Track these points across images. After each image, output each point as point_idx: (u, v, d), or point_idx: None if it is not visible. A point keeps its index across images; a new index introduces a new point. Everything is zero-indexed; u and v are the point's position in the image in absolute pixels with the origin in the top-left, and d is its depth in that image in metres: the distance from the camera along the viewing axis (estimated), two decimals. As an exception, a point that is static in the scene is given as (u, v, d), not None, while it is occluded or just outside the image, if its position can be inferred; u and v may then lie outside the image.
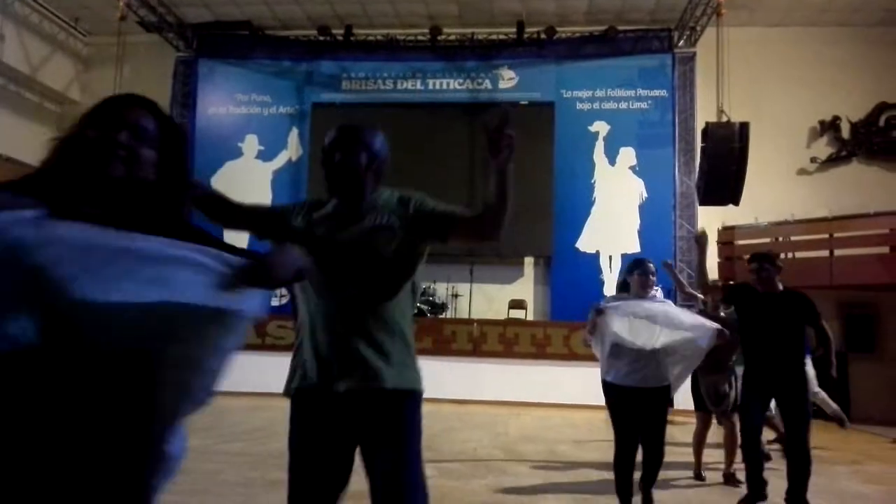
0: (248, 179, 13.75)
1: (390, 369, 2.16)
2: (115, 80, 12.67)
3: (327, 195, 2.37)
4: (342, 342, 2.17)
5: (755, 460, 4.72)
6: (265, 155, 13.87)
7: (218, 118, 14.09)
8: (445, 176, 13.05)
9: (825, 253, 11.51)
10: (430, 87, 13.74)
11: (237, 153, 13.88)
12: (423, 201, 2.37)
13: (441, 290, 12.33)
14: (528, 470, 6.09)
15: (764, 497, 4.76)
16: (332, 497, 2.24)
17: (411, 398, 2.23)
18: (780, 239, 12.31)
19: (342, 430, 2.21)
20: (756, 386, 4.73)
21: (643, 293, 4.41)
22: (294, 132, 13.88)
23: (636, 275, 4.47)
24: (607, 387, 4.45)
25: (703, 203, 11.80)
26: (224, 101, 14.12)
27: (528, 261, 13.37)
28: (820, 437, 9.24)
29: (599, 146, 13.19)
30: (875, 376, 11.56)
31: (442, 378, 10.18)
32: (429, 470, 5.70)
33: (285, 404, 2.28)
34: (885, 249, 11.09)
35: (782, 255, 11.93)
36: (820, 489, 5.70)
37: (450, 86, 13.72)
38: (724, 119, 11.30)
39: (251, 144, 13.88)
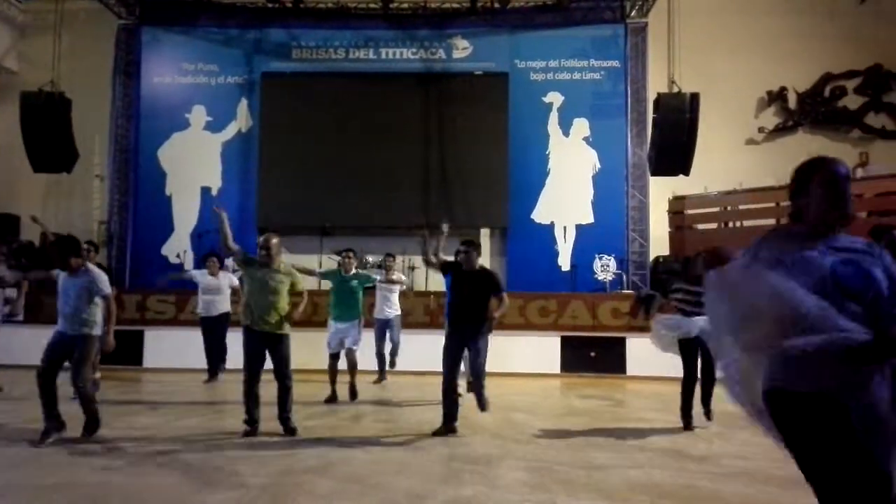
0: (197, 151, 13.39)
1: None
2: (54, 48, 12.11)
3: None
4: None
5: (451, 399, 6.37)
6: (214, 126, 13.50)
7: (164, 88, 13.63)
8: (399, 147, 12.94)
9: (772, 221, 11.79)
10: (383, 56, 13.52)
11: (184, 124, 13.48)
12: None
13: (397, 264, 12.26)
14: (484, 439, 6.15)
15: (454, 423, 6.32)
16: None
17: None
18: (729, 208, 12.59)
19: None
20: (455, 337, 6.38)
21: None
22: (243, 102, 13.52)
23: None
24: None
25: (654, 173, 11.97)
26: (169, 71, 13.65)
27: (484, 232, 13.39)
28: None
29: (553, 117, 13.20)
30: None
31: (400, 350, 10.17)
32: (387, 441, 5.69)
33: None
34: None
35: (730, 224, 12.26)
36: (763, 450, 5.91)
37: (403, 55, 13.52)
38: (675, 90, 11.43)
39: (199, 115, 13.48)
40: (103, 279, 5.83)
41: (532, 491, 4.47)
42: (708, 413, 6.92)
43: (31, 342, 10.12)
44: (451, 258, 6.78)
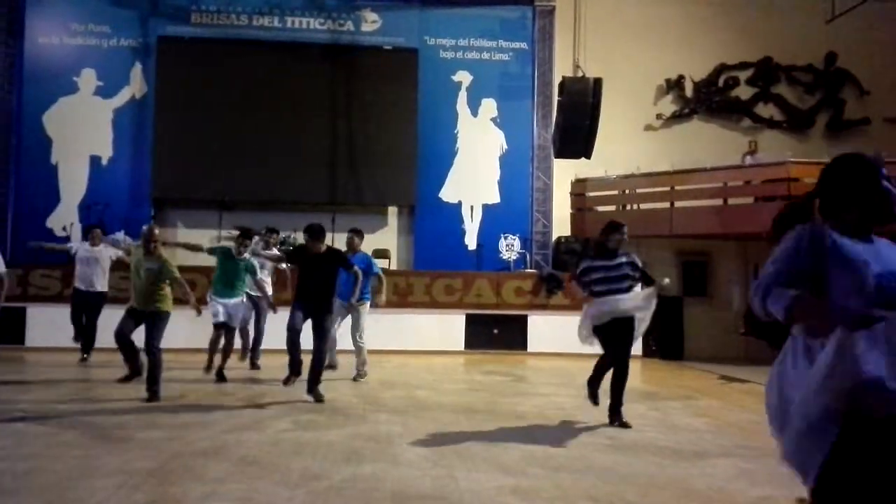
0: (86, 117, 12.56)
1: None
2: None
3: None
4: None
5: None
6: (105, 91, 12.68)
7: (50, 49, 12.67)
8: (305, 120, 12.61)
9: (667, 204, 12.31)
10: (289, 25, 13.05)
11: (73, 88, 12.60)
12: None
13: (301, 239, 11.98)
14: (387, 416, 6.14)
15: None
16: None
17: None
18: (627, 191, 13.02)
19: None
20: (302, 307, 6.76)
21: None
22: (137, 67, 12.76)
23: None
24: None
25: (558, 156, 12.22)
26: (56, 31, 12.69)
27: (392, 210, 13.31)
28: (654, 374, 10.06)
29: (462, 96, 13.20)
30: (707, 318, 12.64)
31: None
32: (285, 423, 5.60)
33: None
34: (719, 202, 12.02)
35: (628, 206, 12.70)
36: (654, 422, 6.19)
37: (310, 25, 13.10)
38: (580, 74, 11.66)
39: (88, 79, 12.62)
40: None
41: (433, 466, 4.49)
42: (620, 420, 5.96)
43: None
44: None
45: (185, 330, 8.47)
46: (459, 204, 13.12)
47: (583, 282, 6.13)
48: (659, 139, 13.77)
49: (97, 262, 8.96)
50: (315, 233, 6.80)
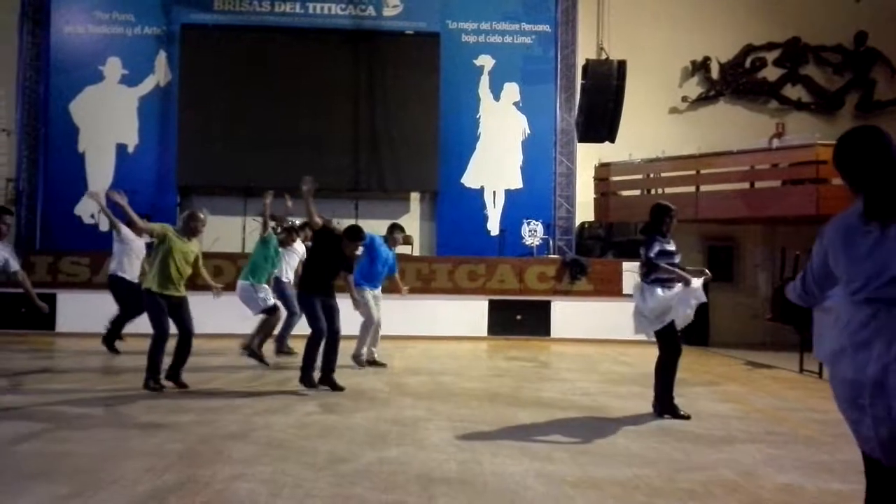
0: (112, 106, 12.69)
1: None
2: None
3: None
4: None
5: None
6: (130, 80, 12.80)
7: (75, 38, 12.81)
8: (327, 106, 12.62)
9: (692, 188, 12.17)
10: (311, 10, 13.04)
11: (98, 77, 12.74)
12: None
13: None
14: (412, 401, 6.17)
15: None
16: None
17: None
18: (651, 175, 12.89)
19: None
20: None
21: None
22: (162, 55, 12.86)
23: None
24: None
25: (581, 140, 12.11)
26: (82, 20, 12.82)
27: (414, 196, 13.31)
28: (679, 361, 9.97)
29: (484, 80, 13.13)
30: (733, 304, 12.51)
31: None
32: (311, 406, 5.66)
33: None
34: (746, 185, 11.86)
35: (653, 191, 12.58)
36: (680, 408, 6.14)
37: (331, 10, 13.07)
38: (604, 56, 11.53)
39: (114, 68, 12.75)
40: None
41: (458, 450, 4.51)
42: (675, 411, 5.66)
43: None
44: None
45: (213, 316, 8.53)
46: (482, 189, 13.08)
47: (660, 266, 5.53)
48: (684, 122, 13.60)
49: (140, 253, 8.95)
50: (356, 235, 6.85)
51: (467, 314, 11.48)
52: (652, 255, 5.51)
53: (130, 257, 8.77)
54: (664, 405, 5.64)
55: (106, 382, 6.88)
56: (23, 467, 3.97)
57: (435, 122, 12.79)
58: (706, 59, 13.80)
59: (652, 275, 5.55)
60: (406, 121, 12.72)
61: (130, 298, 8.32)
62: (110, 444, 4.51)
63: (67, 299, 10.82)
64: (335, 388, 6.49)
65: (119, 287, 8.65)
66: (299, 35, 12.82)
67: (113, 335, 8.70)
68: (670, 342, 5.65)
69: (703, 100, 13.83)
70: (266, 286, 7.94)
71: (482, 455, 4.41)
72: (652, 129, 13.01)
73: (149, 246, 7.95)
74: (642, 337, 5.98)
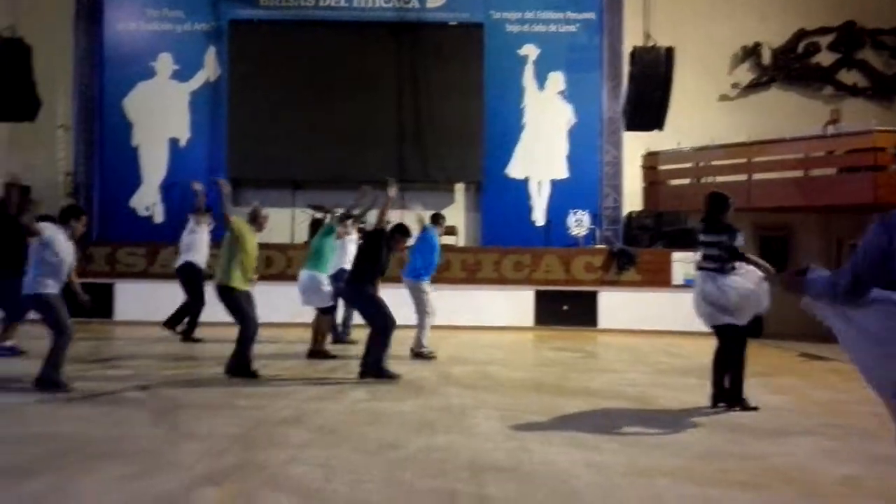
0: (164, 101, 13.00)
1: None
2: (13, -7, 11.59)
3: None
4: None
5: None
6: (181, 75, 13.09)
7: (128, 35, 13.15)
8: (371, 99, 12.72)
9: (743, 177, 11.91)
10: (355, 4, 13.12)
11: (150, 73, 13.06)
12: None
13: (371, 218, 12.13)
14: (458, 390, 6.21)
15: None
16: None
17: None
18: (701, 164, 12.65)
19: None
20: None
21: None
22: (211, 50, 13.11)
23: None
24: None
25: (628, 128, 11.95)
26: (133, 17, 13.15)
27: (459, 187, 13.31)
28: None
29: (529, 70, 13.03)
30: (787, 295, 12.15)
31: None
32: (361, 393, 5.74)
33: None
34: (799, 173, 11.56)
35: (703, 180, 12.36)
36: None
37: (375, 3, 13.12)
38: (651, 44, 11.33)
39: (165, 63, 13.05)
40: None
41: (506, 439, 4.53)
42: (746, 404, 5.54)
43: None
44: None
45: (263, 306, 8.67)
46: (527, 180, 13.02)
47: (749, 257, 5.57)
48: (734, 110, 13.28)
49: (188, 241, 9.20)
50: (408, 231, 7.18)
51: (513, 304, 11.47)
52: (738, 244, 5.45)
53: (202, 248, 9.01)
54: (735, 396, 5.53)
55: (165, 368, 7.10)
56: (90, 448, 4.14)
57: (479, 112, 12.76)
58: (757, 45, 13.44)
59: (729, 265, 5.44)
60: (450, 112, 12.72)
61: (201, 288, 8.64)
62: (170, 427, 4.67)
63: (124, 289, 11.17)
64: (380, 375, 6.56)
65: (196, 276, 8.93)
66: (344, 28, 12.92)
67: (192, 328, 8.99)
68: (743, 333, 5.54)
69: (754, 86, 13.47)
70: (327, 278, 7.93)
71: (531, 444, 4.42)
72: (701, 116, 12.75)
73: None
74: (691, 328, 5.93)
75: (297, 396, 5.75)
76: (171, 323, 9.14)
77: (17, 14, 11.41)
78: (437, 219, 8.43)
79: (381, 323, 6.56)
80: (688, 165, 12.85)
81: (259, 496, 3.37)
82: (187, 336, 8.95)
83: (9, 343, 7.52)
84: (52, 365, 5.67)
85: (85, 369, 6.44)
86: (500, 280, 11.56)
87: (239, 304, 6.46)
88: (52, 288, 5.69)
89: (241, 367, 6.44)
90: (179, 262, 9.12)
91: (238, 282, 6.46)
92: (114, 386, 6.05)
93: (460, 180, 13.25)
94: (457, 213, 12.99)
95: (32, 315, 6.52)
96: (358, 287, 6.83)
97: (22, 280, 5.82)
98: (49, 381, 5.63)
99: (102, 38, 13.07)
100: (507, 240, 12.12)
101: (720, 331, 5.54)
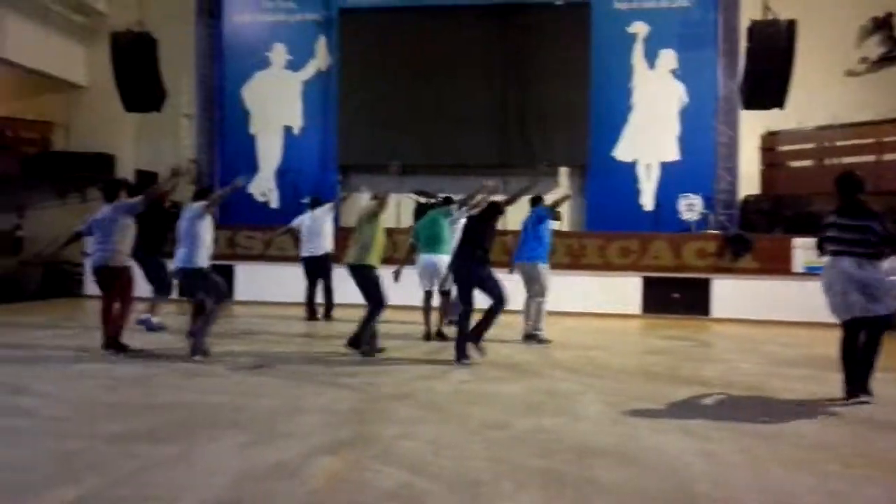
0: (278, 91, 13.54)
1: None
2: (140, -9, 12.37)
3: None
4: None
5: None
6: (294, 64, 13.58)
7: (245, 27, 13.76)
8: (476, 83, 12.72)
9: (871, 158, 11.11)
10: (462, -12, 13.16)
11: (265, 63, 13.62)
12: None
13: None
14: (563, 374, 6.17)
15: None
16: None
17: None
18: (825, 144, 11.90)
19: None
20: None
21: None
22: (322, 40, 13.50)
23: None
24: None
25: (746, 107, 11.33)
26: (250, 9, 13.73)
27: (563, 171, 13.12)
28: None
29: (638, 48, 12.62)
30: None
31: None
32: (465, 375, 5.81)
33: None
34: (937, 153, 10.66)
35: (827, 161, 11.62)
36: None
37: (482, -13, 13.12)
38: (770, 17, 10.69)
39: (279, 54, 13.58)
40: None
41: (613, 424, 4.47)
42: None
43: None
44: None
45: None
46: (635, 162, 12.66)
47: None
48: (862, 86, 12.34)
49: (315, 229, 9.57)
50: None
51: (619, 291, 11.22)
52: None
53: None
54: (864, 386, 5.23)
55: (282, 345, 7.44)
56: (212, 417, 4.42)
57: (585, 94, 12.49)
58: (889, 16, 12.39)
59: (886, 250, 5.21)
60: (555, 94, 12.52)
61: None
62: (286, 400, 4.91)
63: (243, 270, 11.78)
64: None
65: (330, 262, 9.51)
66: (450, 13, 12.95)
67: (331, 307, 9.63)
68: (889, 324, 5.19)
69: (884, 60, 12.45)
70: None
71: (639, 430, 4.34)
72: (824, 93, 11.94)
73: None
74: (812, 318, 5.62)
75: (405, 375, 5.90)
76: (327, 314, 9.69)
77: (145, 9, 12.15)
78: (538, 201, 8.34)
79: (501, 299, 6.59)
80: (810, 146, 12.11)
81: (371, 468, 3.50)
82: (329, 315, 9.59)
83: (155, 319, 8.19)
84: (204, 330, 6.43)
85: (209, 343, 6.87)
86: (606, 266, 11.32)
87: (376, 282, 6.74)
88: (204, 262, 6.48)
89: (363, 341, 6.70)
90: (321, 250, 9.51)
91: (376, 260, 6.80)
92: (235, 361, 6.43)
93: (564, 164, 13.05)
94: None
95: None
96: (481, 266, 6.72)
97: (162, 260, 6.52)
98: (198, 345, 6.38)
99: (222, 30, 13.73)
100: (614, 225, 11.85)
101: (865, 322, 5.17)
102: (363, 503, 3.03)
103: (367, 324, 6.71)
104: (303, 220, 9.69)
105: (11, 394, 4.97)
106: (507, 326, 7.93)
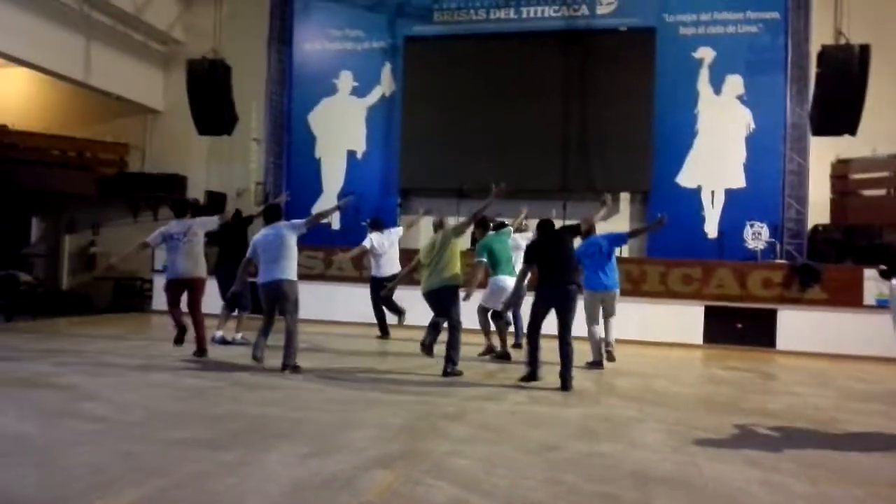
0: (344, 116, 13.87)
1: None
2: (214, 18, 12.92)
3: None
4: None
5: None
6: (359, 91, 13.90)
7: (314, 54, 14.19)
8: (538, 108, 12.75)
9: (951, 187, 10.62)
10: (524, 15, 13.23)
11: (332, 90, 14.00)
12: None
13: (534, 226, 12.13)
14: (621, 402, 6.05)
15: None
16: None
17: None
18: (900, 172, 11.46)
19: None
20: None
21: None
22: (387, 67, 13.81)
23: None
24: None
25: (816, 133, 11.01)
26: (319, 37, 14.17)
27: (625, 196, 12.97)
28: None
29: (704, 74, 12.44)
30: None
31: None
32: (521, 397, 5.77)
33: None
34: None
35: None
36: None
37: (544, 13, 13.15)
38: (843, 41, 10.41)
39: (346, 80, 13.94)
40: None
41: (673, 452, 4.36)
42: None
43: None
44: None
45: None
46: (699, 189, 12.41)
47: None
48: (941, 111, 11.85)
49: (386, 251, 9.85)
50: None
51: (681, 320, 10.97)
52: None
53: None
54: None
55: (341, 361, 7.54)
56: (270, 428, 4.50)
57: (648, 119, 12.37)
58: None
59: None
60: (618, 119, 12.43)
61: None
62: (341, 414, 4.97)
63: (304, 290, 11.96)
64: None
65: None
66: (513, 40, 13.08)
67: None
68: None
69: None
70: None
71: (700, 459, 4.22)
72: (898, 121, 11.53)
73: None
74: (883, 353, 5.42)
75: (459, 395, 5.89)
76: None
77: (220, 37, 12.70)
78: (503, 226, 8.87)
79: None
80: (884, 174, 11.66)
81: (424, 482, 3.50)
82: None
83: (239, 336, 8.49)
84: (292, 350, 6.77)
85: (268, 356, 7.03)
86: (667, 293, 11.09)
87: (458, 303, 6.97)
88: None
89: (455, 358, 6.93)
90: (389, 272, 9.70)
91: (461, 280, 7.09)
92: (290, 375, 6.56)
93: (626, 189, 12.91)
94: (622, 224, 12.62)
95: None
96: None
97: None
98: (292, 364, 6.73)
99: (292, 57, 14.19)
100: (676, 252, 11.61)
101: None
102: (415, 517, 3.03)
103: (453, 348, 6.91)
104: (373, 241, 9.85)
105: (86, 400, 5.18)
106: (556, 349, 7.82)
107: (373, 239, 9.86)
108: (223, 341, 8.46)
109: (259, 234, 7.07)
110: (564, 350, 6.45)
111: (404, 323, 9.46)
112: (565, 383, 6.36)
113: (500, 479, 3.61)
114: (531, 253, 6.94)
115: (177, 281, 7.24)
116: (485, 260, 8.16)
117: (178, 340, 7.37)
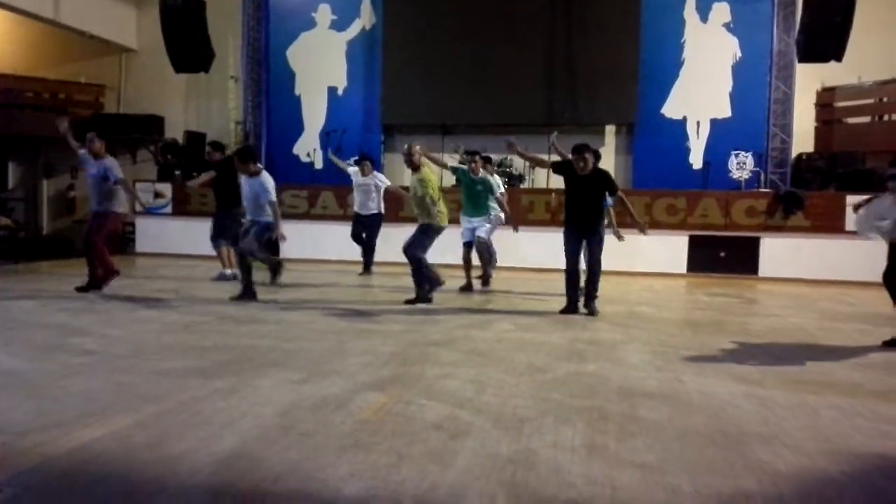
0: (323, 51, 13.55)
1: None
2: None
3: None
4: None
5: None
6: (339, 25, 13.54)
7: (291, -13, 13.78)
8: (522, 41, 12.51)
9: (936, 113, 10.63)
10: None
11: (311, 23, 13.62)
12: None
13: (518, 162, 12.10)
14: (608, 326, 6.14)
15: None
16: None
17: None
18: (885, 100, 11.43)
19: None
20: (571, 234, 6.79)
21: None
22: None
23: None
24: None
25: (802, 60, 10.95)
26: (299, -31, 13.73)
27: (609, 129, 12.89)
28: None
29: (690, 2, 12.24)
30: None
31: (521, 247, 10.25)
32: (507, 325, 5.83)
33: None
34: None
35: (886, 118, 11.17)
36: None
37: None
38: (832, -36, 10.24)
39: (324, 14, 13.55)
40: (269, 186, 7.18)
41: (658, 370, 4.45)
42: None
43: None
44: (557, 158, 7.43)
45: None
46: (684, 120, 12.35)
47: None
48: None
49: (367, 189, 9.75)
50: (588, 151, 6.66)
51: (666, 250, 11.06)
52: None
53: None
54: None
55: (327, 297, 7.57)
56: (262, 358, 4.54)
57: (634, 49, 12.19)
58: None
59: None
60: (603, 50, 12.24)
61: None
62: (333, 344, 5.01)
63: (288, 229, 11.89)
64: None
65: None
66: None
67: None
68: None
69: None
70: None
71: (685, 375, 4.31)
72: (885, 47, 11.43)
73: None
74: (867, 277, 5.66)
75: (447, 324, 5.95)
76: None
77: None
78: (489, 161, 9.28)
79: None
80: (869, 101, 11.65)
81: (416, 402, 3.56)
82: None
83: (229, 271, 8.52)
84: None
85: (259, 292, 7.05)
86: (652, 224, 11.09)
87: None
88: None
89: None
90: (374, 210, 9.76)
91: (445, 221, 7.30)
92: (283, 310, 6.58)
93: (611, 122, 12.82)
94: (607, 156, 12.46)
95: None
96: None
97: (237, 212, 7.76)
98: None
99: (268, -10, 13.76)
100: (661, 183, 11.61)
101: None
102: (410, 432, 3.08)
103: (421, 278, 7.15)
104: (355, 179, 9.81)
105: (74, 335, 5.18)
106: (546, 282, 7.90)
107: (355, 175, 9.83)
108: (234, 277, 8.44)
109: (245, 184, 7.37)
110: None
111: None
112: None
113: (490, 397, 3.68)
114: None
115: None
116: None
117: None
